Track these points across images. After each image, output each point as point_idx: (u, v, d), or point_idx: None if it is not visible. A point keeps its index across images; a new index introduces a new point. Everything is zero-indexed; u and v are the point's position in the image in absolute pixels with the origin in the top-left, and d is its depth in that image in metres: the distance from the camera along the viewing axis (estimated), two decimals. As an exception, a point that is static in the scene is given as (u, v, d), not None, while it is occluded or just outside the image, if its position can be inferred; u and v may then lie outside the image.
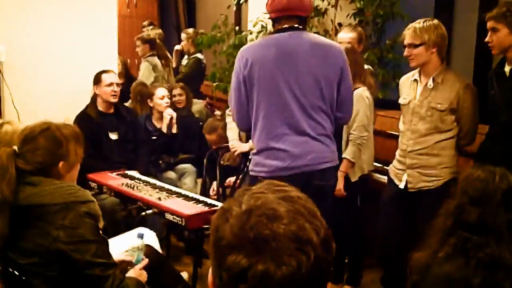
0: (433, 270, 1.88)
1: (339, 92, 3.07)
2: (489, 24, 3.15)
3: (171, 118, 4.93)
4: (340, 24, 5.39)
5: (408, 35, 3.38)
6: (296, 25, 3.02)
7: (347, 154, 3.76)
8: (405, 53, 3.42)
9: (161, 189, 3.75)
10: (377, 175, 4.09)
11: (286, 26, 3.02)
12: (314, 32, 5.44)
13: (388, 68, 5.24)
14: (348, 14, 5.30)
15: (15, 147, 2.31)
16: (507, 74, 3.18)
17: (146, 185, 3.84)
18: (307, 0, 3.05)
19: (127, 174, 4.14)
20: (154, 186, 3.81)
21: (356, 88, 3.69)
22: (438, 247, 1.93)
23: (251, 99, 3.02)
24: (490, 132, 3.30)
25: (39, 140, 2.32)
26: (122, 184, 3.82)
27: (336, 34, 5.32)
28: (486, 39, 3.19)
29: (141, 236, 2.76)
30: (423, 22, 3.38)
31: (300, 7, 3.01)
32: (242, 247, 1.03)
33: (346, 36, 4.26)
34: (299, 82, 2.97)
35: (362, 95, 3.74)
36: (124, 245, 2.83)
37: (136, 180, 3.96)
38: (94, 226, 2.33)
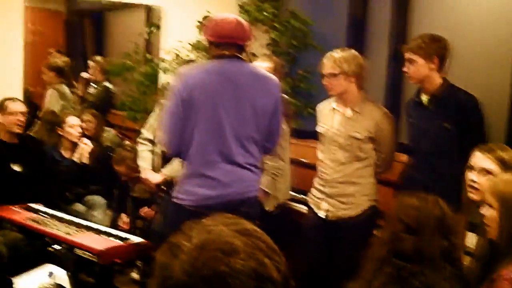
0: None
1: (270, 123, 3.07)
2: (406, 56, 3.22)
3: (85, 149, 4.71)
4: (253, 54, 5.39)
5: (326, 64, 3.39)
6: (237, 54, 3.00)
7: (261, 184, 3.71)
8: (324, 82, 3.42)
9: (70, 223, 3.53)
10: (294, 204, 4.05)
11: (226, 53, 2.98)
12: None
13: (301, 97, 5.28)
14: (262, 44, 5.31)
15: None
16: (425, 103, 3.25)
17: (53, 219, 3.61)
18: (248, 30, 3.05)
19: (31, 207, 3.87)
20: (61, 220, 3.58)
21: None
22: (372, 276, 1.88)
23: (186, 123, 2.91)
24: (411, 161, 3.35)
25: None
26: (27, 218, 3.57)
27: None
28: (404, 69, 3.26)
29: (51, 274, 2.55)
30: (342, 52, 3.41)
31: (242, 37, 3.01)
32: (195, 286, 0.91)
33: (263, 65, 4.23)
34: (239, 112, 2.96)
35: None
36: (33, 284, 2.61)
37: (41, 214, 3.71)
38: None
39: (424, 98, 3.26)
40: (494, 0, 4.04)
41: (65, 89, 5.95)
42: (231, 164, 2.96)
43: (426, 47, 3.15)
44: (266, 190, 3.70)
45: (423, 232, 1.87)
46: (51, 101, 5.76)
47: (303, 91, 5.26)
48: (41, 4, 7.83)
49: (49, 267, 2.83)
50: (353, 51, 3.46)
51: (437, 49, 3.17)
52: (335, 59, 3.37)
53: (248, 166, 3.00)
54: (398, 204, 1.99)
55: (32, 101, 6.28)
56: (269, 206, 3.78)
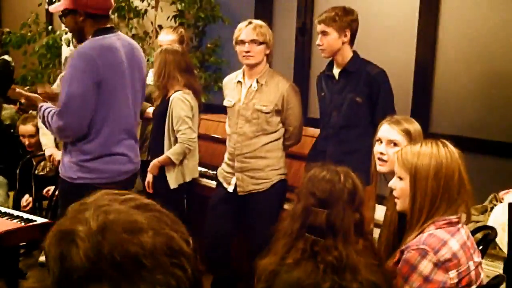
0: (281, 277, 1.82)
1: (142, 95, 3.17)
2: (319, 28, 3.20)
3: None
4: (160, 26, 5.27)
5: (249, 32, 3.34)
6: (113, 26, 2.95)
7: (170, 152, 3.67)
8: (243, 49, 3.35)
9: (-32, 205, 3.34)
10: (204, 180, 4.02)
11: (109, 26, 2.88)
12: (133, 34, 5.28)
13: (210, 71, 5.23)
14: (169, 16, 5.20)
15: None
16: (336, 76, 3.27)
17: None
18: None
19: None
20: (-41, 202, 3.38)
21: (176, 91, 3.67)
22: (285, 252, 1.87)
23: (97, 104, 2.79)
24: (322, 133, 3.37)
25: None
26: None
27: (157, 36, 5.20)
28: (317, 43, 3.24)
29: None
30: (260, 22, 3.41)
31: (111, 6, 2.96)
32: (104, 274, 0.84)
33: (166, 38, 4.15)
34: (135, 88, 2.99)
35: (183, 97, 3.66)
36: None
37: None
38: None
39: (336, 71, 3.28)
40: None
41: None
42: (133, 139, 3.02)
43: (339, 20, 3.15)
44: (174, 159, 3.67)
45: (336, 205, 1.87)
46: None
47: (212, 65, 5.22)
48: None
49: None
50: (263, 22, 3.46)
51: (350, 22, 3.18)
52: (258, 27, 3.35)
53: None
54: (309, 178, 1.97)
55: None
56: (173, 184, 3.72)
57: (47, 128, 2.92)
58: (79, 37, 2.90)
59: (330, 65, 3.33)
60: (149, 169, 3.73)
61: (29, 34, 5.46)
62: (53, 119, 2.77)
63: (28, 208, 4.20)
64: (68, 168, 2.87)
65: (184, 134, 3.62)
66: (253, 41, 3.35)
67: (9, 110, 5.41)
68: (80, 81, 2.72)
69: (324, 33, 3.20)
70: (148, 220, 0.90)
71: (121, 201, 0.94)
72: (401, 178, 2.05)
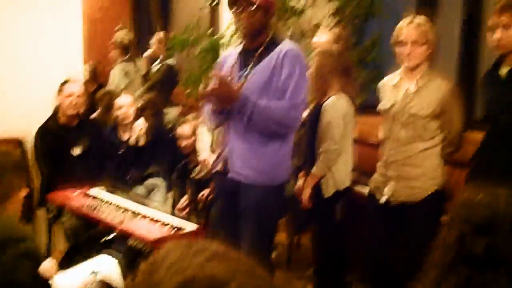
0: None
1: None
2: (502, 20, 2.72)
3: (140, 130, 4.60)
4: (317, 25, 5.14)
5: (410, 32, 3.08)
6: None
7: (317, 166, 3.54)
8: (404, 51, 3.11)
9: (126, 209, 3.46)
10: (359, 187, 3.81)
11: None
12: (290, 34, 5.19)
13: (369, 69, 4.99)
14: (326, 14, 5.04)
15: None
16: (503, 77, 2.88)
17: (110, 205, 3.55)
18: None
19: (90, 193, 3.84)
20: (118, 207, 3.52)
21: (330, 96, 3.53)
22: (436, 285, 1.63)
23: None
24: (488, 139, 3.01)
25: None
26: (84, 205, 3.54)
27: (313, 36, 5.07)
28: (495, 37, 2.77)
29: (95, 273, 2.47)
30: (423, 19, 3.12)
31: None
32: None
33: (321, 39, 4.02)
34: None
35: (336, 104, 3.48)
36: (76, 281, 2.54)
37: (99, 200, 3.67)
38: (33, 269, 2.03)
39: (504, 71, 2.87)
40: None
41: (130, 66, 5.91)
42: None
43: None
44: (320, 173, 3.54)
45: (497, 233, 1.60)
46: (114, 79, 5.74)
47: (372, 63, 4.97)
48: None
49: (99, 260, 2.76)
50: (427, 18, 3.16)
51: None
52: (421, 26, 3.07)
53: None
54: (462, 202, 1.70)
55: (99, 78, 6.31)
56: (326, 193, 3.57)
57: (259, 123, 2.84)
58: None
59: (498, 63, 2.92)
60: (305, 185, 3.62)
61: (191, 38, 5.59)
62: (284, 112, 2.82)
63: (185, 211, 4.29)
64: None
65: (328, 144, 3.47)
66: (414, 42, 3.07)
67: (173, 112, 5.60)
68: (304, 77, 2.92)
69: (506, 25, 2.72)
70: (227, 271, 0.82)
71: (191, 254, 0.85)
72: None
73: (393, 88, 3.25)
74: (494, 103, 2.94)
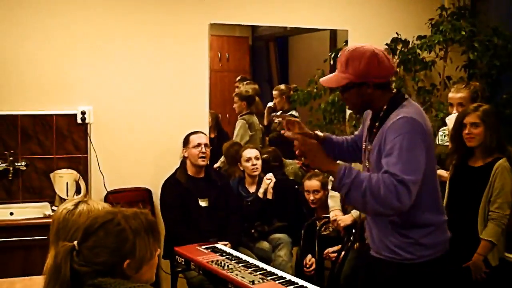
0: None
1: None
2: None
3: (270, 182, 4.57)
4: (449, 78, 4.92)
5: None
6: None
7: (487, 233, 3.32)
8: None
9: (255, 269, 3.35)
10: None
11: (401, 92, 2.61)
12: (419, 87, 5.00)
13: (506, 125, 4.69)
14: (458, 66, 4.83)
15: (75, 243, 1.93)
16: None
17: (238, 263, 3.46)
18: None
19: (217, 248, 3.77)
20: (247, 265, 3.42)
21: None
22: None
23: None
24: None
25: (100, 234, 1.90)
26: (212, 261, 3.46)
27: (445, 88, 4.86)
28: None
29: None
30: None
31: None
32: None
33: (457, 95, 3.81)
34: None
35: (505, 167, 3.33)
36: None
37: (226, 256, 3.59)
38: None
39: None
40: None
41: (254, 118, 5.91)
42: None
43: None
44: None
45: None
46: (239, 132, 5.74)
47: (508, 118, 4.67)
48: (226, 32, 7.97)
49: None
50: None
51: None
52: None
53: None
54: None
55: (220, 126, 6.34)
56: (494, 261, 3.34)
57: (364, 201, 2.32)
58: (364, 110, 2.65)
59: None
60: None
61: (314, 91, 5.52)
62: (396, 189, 2.29)
63: (311, 269, 4.14)
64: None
65: (499, 209, 3.28)
66: None
67: (293, 165, 5.50)
68: (416, 146, 2.36)
69: None
70: None
71: None
72: None
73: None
74: None
